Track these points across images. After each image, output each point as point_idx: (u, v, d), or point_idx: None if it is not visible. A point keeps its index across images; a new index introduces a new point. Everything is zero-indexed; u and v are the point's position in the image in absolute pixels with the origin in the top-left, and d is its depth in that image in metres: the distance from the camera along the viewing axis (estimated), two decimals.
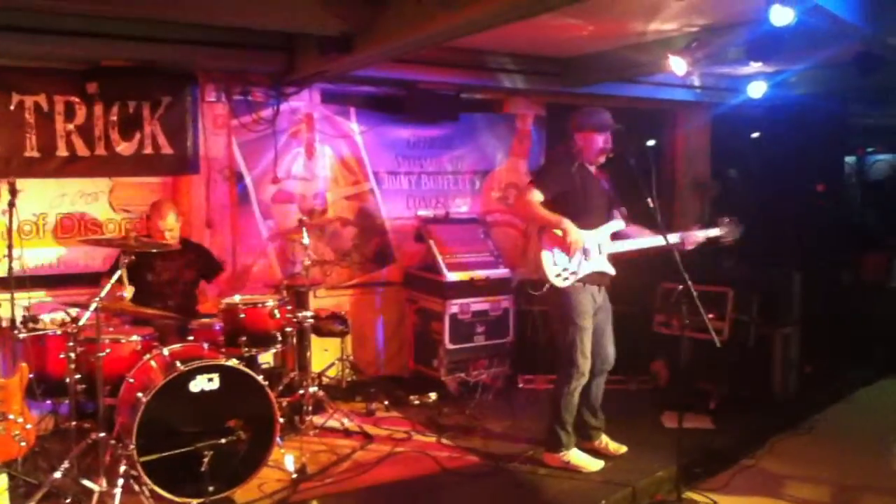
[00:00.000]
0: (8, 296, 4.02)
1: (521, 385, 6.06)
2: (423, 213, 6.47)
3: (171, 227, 4.84)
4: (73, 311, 4.06)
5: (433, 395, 5.68)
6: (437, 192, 6.62)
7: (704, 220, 7.11)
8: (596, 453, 4.54)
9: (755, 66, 6.05)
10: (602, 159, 4.38)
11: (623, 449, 4.62)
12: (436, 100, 6.33)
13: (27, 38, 4.52)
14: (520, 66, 6.23)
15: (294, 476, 4.16)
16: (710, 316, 4.21)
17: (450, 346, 5.81)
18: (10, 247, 3.99)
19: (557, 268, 4.21)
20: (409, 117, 6.37)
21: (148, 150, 5.23)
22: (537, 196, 4.20)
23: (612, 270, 4.40)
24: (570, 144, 4.37)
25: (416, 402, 5.61)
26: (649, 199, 3.98)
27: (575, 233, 4.15)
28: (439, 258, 5.92)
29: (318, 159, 6.01)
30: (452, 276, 5.84)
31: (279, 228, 5.82)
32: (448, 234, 6.16)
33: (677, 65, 5.17)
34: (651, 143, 6.09)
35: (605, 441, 4.63)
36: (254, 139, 5.71)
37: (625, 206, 4.47)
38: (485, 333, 5.97)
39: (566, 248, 4.16)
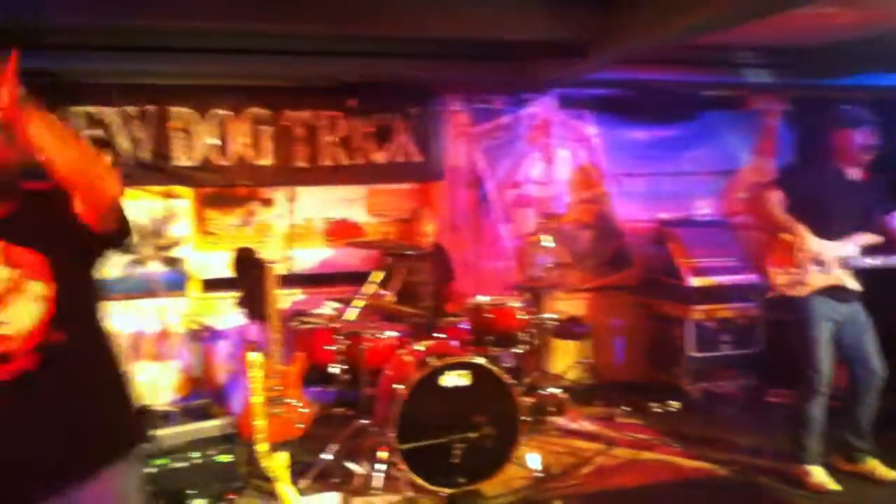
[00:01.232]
0: (287, 291, 4.44)
1: (770, 399, 5.70)
2: (662, 215, 6.30)
3: (428, 232, 5.15)
4: (330, 307, 4.47)
5: (675, 404, 5.51)
6: (676, 194, 6.42)
7: None
8: (863, 477, 4.17)
9: None
10: (863, 159, 4.01)
11: (893, 475, 4.19)
12: (672, 99, 6.15)
13: (295, 61, 5.02)
14: (763, 60, 5.85)
15: (539, 475, 4.23)
16: None
17: (693, 354, 5.61)
18: (287, 248, 4.43)
19: (787, 276, 3.93)
20: (646, 118, 6.24)
21: (399, 159, 5.61)
22: (777, 197, 3.95)
23: (855, 286, 4.01)
24: (823, 144, 4.05)
25: (657, 409, 5.48)
26: None
27: (808, 241, 3.85)
28: (680, 262, 5.74)
29: (555, 163, 6.08)
30: (695, 281, 5.64)
31: (518, 232, 5.96)
32: (689, 238, 5.95)
33: None
34: None
35: (871, 465, 4.23)
36: (494, 145, 5.91)
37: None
38: (730, 342, 5.69)
39: (795, 256, 3.87)
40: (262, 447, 3.90)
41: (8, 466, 1.86)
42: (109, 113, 5.06)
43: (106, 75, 4.92)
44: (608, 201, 6.26)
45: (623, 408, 5.45)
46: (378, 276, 4.33)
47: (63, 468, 1.91)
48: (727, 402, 5.52)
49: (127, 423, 2.13)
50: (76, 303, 1.95)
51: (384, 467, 4.03)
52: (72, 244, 1.94)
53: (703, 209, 6.47)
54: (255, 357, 3.92)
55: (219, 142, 5.26)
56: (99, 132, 5.05)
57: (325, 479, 4.13)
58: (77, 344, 1.94)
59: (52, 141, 1.77)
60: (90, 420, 1.98)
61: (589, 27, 4.50)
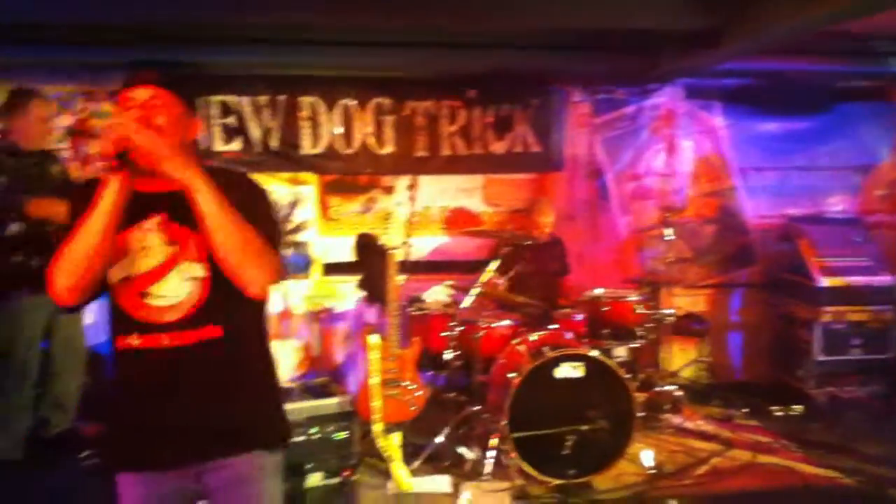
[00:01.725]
0: (405, 277, 4.54)
1: None
2: (791, 211, 6.03)
3: (547, 223, 5.14)
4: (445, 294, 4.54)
5: (798, 408, 5.28)
6: (807, 190, 6.12)
7: None
8: None
9: None
10: None
11: None
12: (807, 90, 5.86)
13: (419, 54, 5.12)
14: None
15: (652, 472, 4.16)
16: None
17: (819, 358, 5.35)
18: (407, 235, 4.54)
19: None
20: (777, 109, 5.97)
21: (518, 149, 5.61)
22: None
23: None
24: None
25: (778, 412, 5.26)
26: None
27: None
28: (810, 261, 5.48)
29: (678, 155, 5.93)
30: (824, 282, 5.37)
31: (636, 224, 5.85)
32: (820, 235, 5.66)
33: None
34: None
35: None
36: (615, 136, 5.82)
37: None
38: (861, 346, 5.39)
39: None
40: (377, 427, 4.04)
41: (152, 428, 1.98)
42: (242, 102, 5.31)
43: (239, 67, 5.16)
44: (733, 195, 6.04)
45: (742, 409, 5.28)
46: (494, 265, 4.37)
47: (203, 444, 1.99)
48: (855, 409, 5.24)
49: (273, 418, 2.17)
50: (229, 288, 1.93)
51: (494, 454, 4.07)
52: None
53: (837, 206, 6.14)
54: (373, 339, 4.06)
55: (343, 130, 5.42)
56: (231, 120, 5.32)
57: (436, 462, 4.22)
58: (228, 329, 1.98)
59: (217, 217, 1.85)
60: (236, 405, 2.03)
61: (723, 15, 4.35)
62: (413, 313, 4.68)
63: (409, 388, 4.13)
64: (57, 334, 4.25)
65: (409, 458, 4.12)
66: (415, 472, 4.04)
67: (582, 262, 5.64)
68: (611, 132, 5.82)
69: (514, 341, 4.36)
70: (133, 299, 1.94)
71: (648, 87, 5.77)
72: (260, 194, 2.09)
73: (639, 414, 4.12)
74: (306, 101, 5.36)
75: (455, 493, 3.89)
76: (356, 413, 4.05)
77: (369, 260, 5.16)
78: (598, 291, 4.82)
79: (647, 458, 4.22)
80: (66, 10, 4.13)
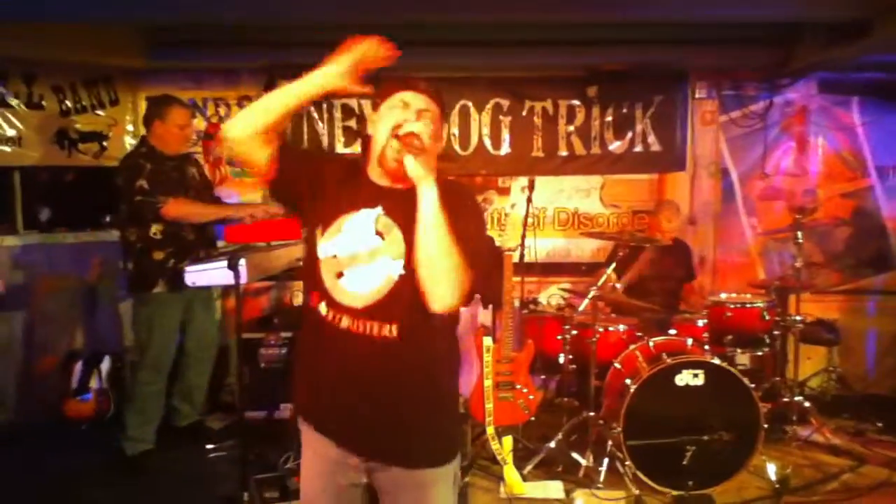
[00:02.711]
0: (520, 279, 4.53)
1: None
2: None
3: (673, 227, 4.98)
4: (560, 296, 4.49)
5: None
6: None
7: None
8: None
9: None
10: None
11: None
12: None
13: (540, 51, 5.10)
14: None
15: (776, 486, 3.97)
16: None
17: None
18: (523, 237, 4.52)
19: None
20: None
21: (638, 148, 5.47)
22: None
23: None
24: None
25: None
26: None
27: None
28: None
29: (810, 154, 5.62)
30: None
31: (764, 227, 5.59)
32: None
33: None
34: None
35: None
36: (742, 134, 5.59)
37: None
38: None
39: None
40: (489, 430, 4.05)
41: (352, 415, 2.03)
42: (363, 105, 5.43)
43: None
44: (870, 196, 5.68)
45: (875, 423, 4.96)
46: (612, 268, 4.29)
47: (369, 441, 2.04)
48: None
49: (445, 433, 2.16)
50: (417, 294, 1.94)
51: (609, 461, 4.00)
52: None
53: None
54: (487, 342, 4.07)
55: (458, 131, 5.45)
56: (352, 122, 5.45)
57: (549, 467, 4.18)
58: (405, 331, 2.00)
59: (431, 223, 1.91)
60: (405, 412, 2.04)
61: (874, 4, 4.07)
62: (527, 316, 4.66)
63: (523, 391, 4.12)
64: (190, 330, 4.50)
65: (520, 461, 4.11)
66: (526, 477, 4.02)
67: (705, 266, 5.45)
68: (738, 130, 5.59)
69: (631, 347, 4.27)
70: (331, 276, 2.03)
71: (780, 83, 5.50)
72: (477, 212, 2.20)
73: (764, 425, 3.95)
74: None
75: (567, 500, 3.85)
76: (469, 415, 4.08)
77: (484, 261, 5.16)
78: (722, 296, 4.65)
79: (771, 471, 4.04)
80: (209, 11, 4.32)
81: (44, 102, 5.07)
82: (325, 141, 5.43)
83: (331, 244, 2.04)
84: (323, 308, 2.04)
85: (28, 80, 4.99)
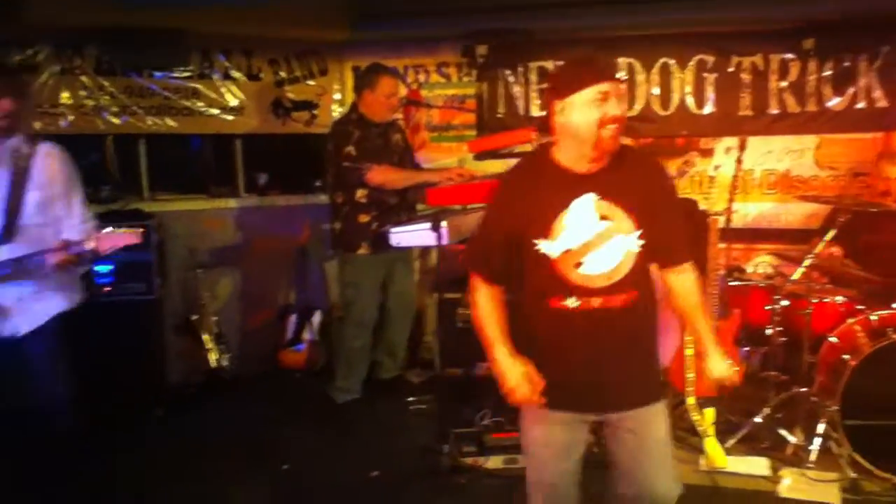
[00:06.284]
0: (725, 245, 4.30)
1: None
2: None
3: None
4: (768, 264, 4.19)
5: None
6: None
7: None
8: None
9: None
10: None
11: None
12: None
13: (747, 3, 4.78)
14: None
15: None
16: None
17: None
18: (730, 201, 4.28)
19: None
20: None
21: (861, 105, 4.96)
22: None
23: None
24: None
25: None
26: None
27: None
28: None
29: None
30: None
31: None
32: None
33: None
34: None
35: None
36: None
37: None
38: None
39: None
40: (690, 400, 3.92)
41: (599, 381, 2.32)
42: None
43: (562, 31, 5.23)
44: None
45: None
46: (830, 234, 3.95)
47: (621, 393, 2.34)
48: None
49: (659, 373, 2.55)
50: (646, 260, 2.29)
51: (821, 441, 3.75)
52: (654, 207, 2.28)
53: None
54: None
55: (659, 91, 5.24)
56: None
57: (753, 442, 3.98)
58: (641, 294, 2.30)
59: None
60: (644, 359, 2.41)
61: None
62: (732, 284, 4.43)
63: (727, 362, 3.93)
64: (392, 289, 4.71)
65: (722, 435, 3.94)
66: (728, 451, 3.86)
67: None
68: None
69: (850, 320, 3.94)
70: (570, 268, 2.23)
71: None
72: (669, 177, 2.49)
73: None
74: (623, 62, 5.24)
75: (773, 478, 3.66)
76: (668, 384, 3.97)
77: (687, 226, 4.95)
78: None
79: None
80: None
81: (261, 74, 5.47)
82: (520, 105, 5.42)
83: (559, 242, 2.23)
84: (571, 302, 2.25)
85: (248, 54, 5.40)
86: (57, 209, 3.08)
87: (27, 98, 3.19)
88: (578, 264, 2.22)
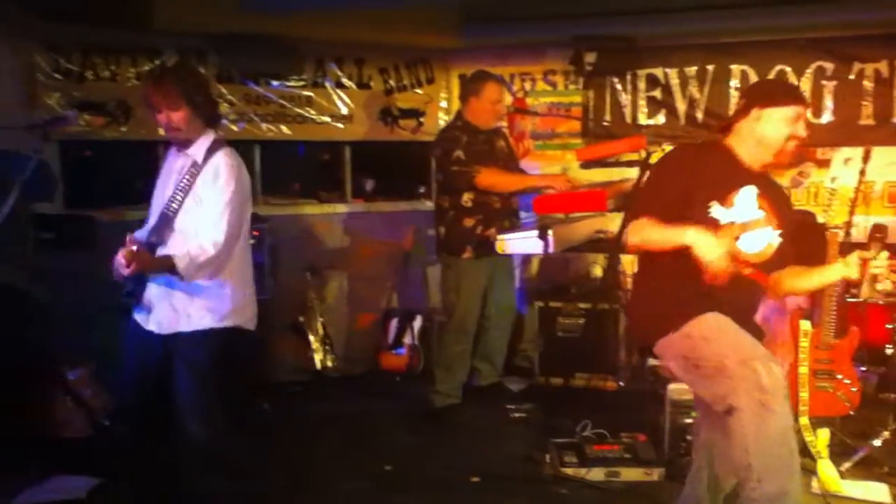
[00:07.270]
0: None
1: None
2: None
3: None
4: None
5: None
6: None
7: None
8: None
9: None
10: None
11: None
12: None
13: (870, 6, 4.59)
14: None
15: None
16: None
17: None
18: (851, 213, 4.11)
19: None
20: None
21: None
22: None
23: None
24: None
25: None
26: None
27: None
28: None
29: None
30: None
31: None
32: None
33: None
34: None
35: None
36: None
37: None
38: None
39: None
40: (803, 420, 3.77)
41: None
42: (669, 74, 5.27)
43: (672, 37, 5.17)
44: None
45: None
46: None
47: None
48: None
49: None
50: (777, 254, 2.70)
51: None
52: (786, 216, 2.76)
53: None
54: (805, 325, 3.77)
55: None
56: (656, 93, 5.31)
57: (870, 467, 3.78)
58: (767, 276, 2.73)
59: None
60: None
61: None
62: (850, 301, 4.23)
63: (844, 381, 3.76)
64: (492, 296, 4.71)
65: (836, 458, 3.76)
66: (843, 475, 3.67)
67: None
68: None
69: None
70: (731, 237, 2.58)
71: None
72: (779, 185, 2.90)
73: None
74: (737, 69, 5.12)
75: None
76: None
77: (804, 239, 4.76)
78: None
79: None
80: None
81: (371, 83, 5.61)
82: (627, 112, 5.36)
83: (728, 213, 2.59)
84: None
85: (359, 63, 5.56)
86: (200, 218, 2.92)
87: (203, 95, 2.97)
88: (737, 238, 2.59)
